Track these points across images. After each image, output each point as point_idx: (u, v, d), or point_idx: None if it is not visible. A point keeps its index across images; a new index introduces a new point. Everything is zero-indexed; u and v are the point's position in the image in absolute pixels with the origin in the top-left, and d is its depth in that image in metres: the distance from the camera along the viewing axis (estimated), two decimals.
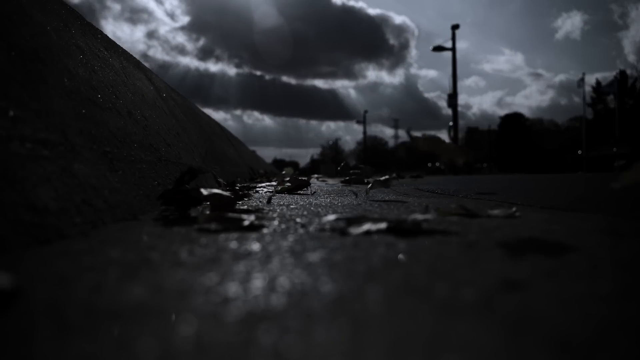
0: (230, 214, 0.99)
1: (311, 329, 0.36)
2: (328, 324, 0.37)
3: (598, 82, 36.70)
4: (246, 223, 0.93)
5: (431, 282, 0.49)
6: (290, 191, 2.37)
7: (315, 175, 7.26)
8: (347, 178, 4.03)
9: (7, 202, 0.68)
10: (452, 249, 0.69)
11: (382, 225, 0.87)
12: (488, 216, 1.16)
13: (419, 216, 0.95)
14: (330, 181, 5.31)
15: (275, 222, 1.03)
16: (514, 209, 1.26)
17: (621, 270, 0.55)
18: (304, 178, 2.76)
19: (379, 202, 1.72)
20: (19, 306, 0.41)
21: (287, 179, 2.70)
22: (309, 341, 0.33)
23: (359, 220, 0.92)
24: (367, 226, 0.87)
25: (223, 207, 1.10)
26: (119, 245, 0.70)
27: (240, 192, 1.88)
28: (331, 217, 1.06)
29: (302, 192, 2.42)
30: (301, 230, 0.90)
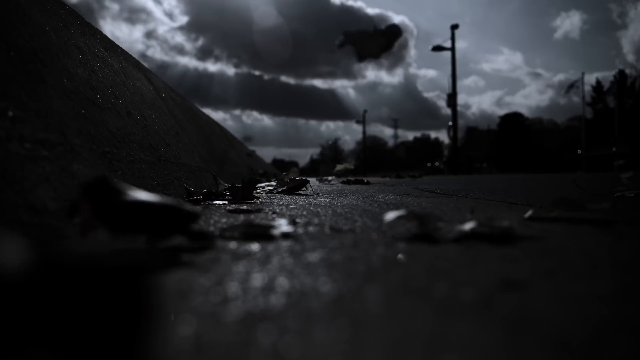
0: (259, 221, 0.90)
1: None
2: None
3: (598, 82, 36.72)
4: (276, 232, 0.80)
5: (431, 283, 0.49)
6: (290, 191, 2.37)
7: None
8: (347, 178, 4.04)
9: (6, 203, 0.68)
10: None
11: (467, 227, 0.76)
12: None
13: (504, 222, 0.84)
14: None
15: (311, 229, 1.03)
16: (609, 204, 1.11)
17: (621, 270, 0.55)
18: (302, 178, 2.78)
19: (378, 202, 1.72)
20: None
21: (288, 179, 2.71)
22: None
23: (428, 219, 0.78)
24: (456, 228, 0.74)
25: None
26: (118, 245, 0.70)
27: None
28: (392, 214, 0.83)
29: (301, 192, 2.42)
30: (364, 236, 0.89)
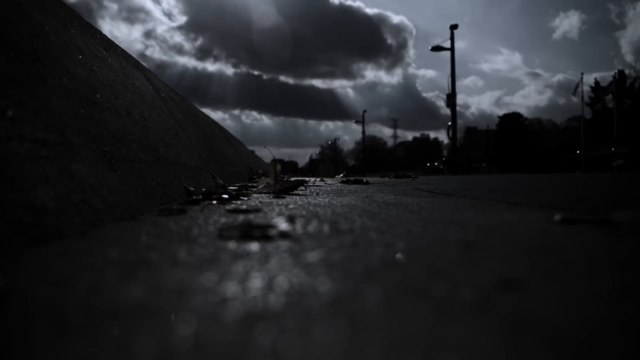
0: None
1: None
2: None
3: (597, 82, 36.77)
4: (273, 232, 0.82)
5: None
6: (285, 191, 2.37)
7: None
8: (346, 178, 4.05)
9: (5, 202, 0.68)
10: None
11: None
12: None
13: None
14: (329, 181, 5.31)
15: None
16: None
17: (620, 270, 0.55)
18: (300, 178, 2.79)
19: (377, 202, 1.72)
20: (17, 306, 0.41)
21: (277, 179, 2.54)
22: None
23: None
24: None
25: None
26: (117, 245, 0.70)
27: (238, 192, 1.88)
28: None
29: (300, 192, 2.42)
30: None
